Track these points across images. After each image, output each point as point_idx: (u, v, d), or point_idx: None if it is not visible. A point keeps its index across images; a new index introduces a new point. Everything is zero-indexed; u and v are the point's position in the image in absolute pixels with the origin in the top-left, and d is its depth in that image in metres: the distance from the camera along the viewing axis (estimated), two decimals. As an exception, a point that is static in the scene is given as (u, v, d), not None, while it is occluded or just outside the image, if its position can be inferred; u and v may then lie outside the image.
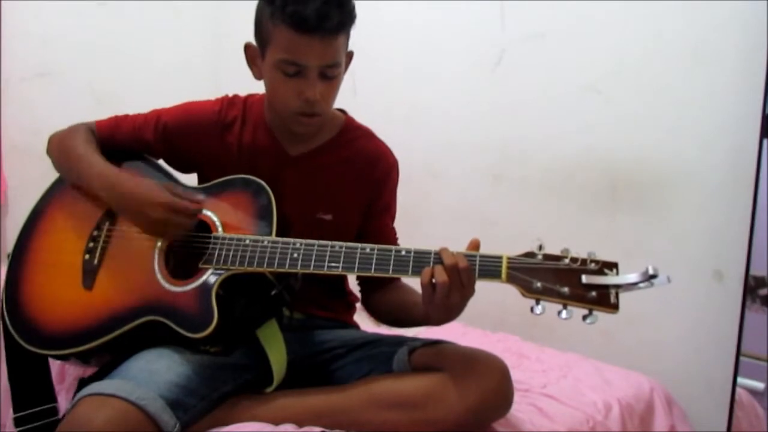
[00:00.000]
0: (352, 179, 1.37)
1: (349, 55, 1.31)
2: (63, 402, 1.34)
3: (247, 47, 1.31)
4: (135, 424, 1.03)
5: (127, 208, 1.24)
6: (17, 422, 1.26)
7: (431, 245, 1.12)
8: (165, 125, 1.37)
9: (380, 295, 1.39)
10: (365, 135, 1.42)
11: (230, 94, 1.41)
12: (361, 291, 1.45)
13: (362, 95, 2.29)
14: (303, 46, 1.19)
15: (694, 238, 1.78)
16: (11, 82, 2.19)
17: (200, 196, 1.29)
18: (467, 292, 1.09)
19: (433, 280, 1.07)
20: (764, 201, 1.62)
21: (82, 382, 1.15)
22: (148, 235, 1.23)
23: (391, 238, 1.44)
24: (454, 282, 1.07)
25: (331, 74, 1.23)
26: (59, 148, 1.37)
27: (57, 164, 1.38)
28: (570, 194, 2.01)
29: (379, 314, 1.43)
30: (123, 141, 1.39)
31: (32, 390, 1.29)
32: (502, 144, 2.14)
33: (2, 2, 2.13)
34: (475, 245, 1.11)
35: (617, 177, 1.92)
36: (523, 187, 2.10)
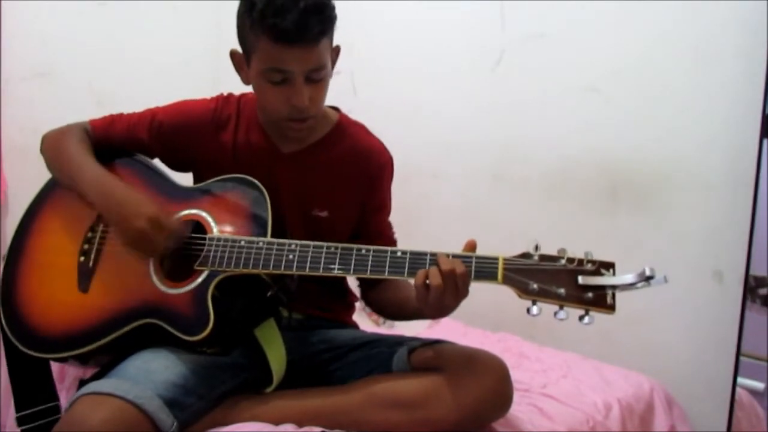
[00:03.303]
0: (347, 175, 1.37)
1: (336, 51, 1.29)
2: (63, 402, 1.33)
3: (233, 54, 1.29)
4: (132, 423, 1.03)
5: (113, 217, 1.22)
6: (20, 421, 1.26)
7: (431, 245, 1.12)
8: (160, 124, 1.37)
9: (378, 291, 1.39)
10: (359, 131, 1.41)
11: (225, 93, 1.41)
12: (359, 286, 1.45)
13: (362, 95, 2.30)
14: (285, 55, 1.18)
15: (694, 238, 1.78)
16: (11, 82, 2.19)
17: (192, 202, 1.28)
18: (461, 295, 1.08)
19: (427, 282, 1.07)
20: (764, 201, 1.62)
21: (82, 383, 1.15)
22: (128, 249, 1.20)
23: (388, 233, 1.44)
24: (449, 286, 1.06)
25: (317, 77, 1.22)
26: (52, 147, 1.36)
27: (50, 164, 1.37)
28: (570, 194, 2.00)
29: (377, 309, 1.43)
30: (118, 140, 1.38)
31: (34, 389, 1.29)
32: (502, 144, 2.13)
33: (2, 2, 2.13)
34: (471, 246, 1.10)
35: (617, 177, 1.92)
36: (523, 187, 2.10)
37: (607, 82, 1.92)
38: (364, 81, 2.29)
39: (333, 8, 1.22)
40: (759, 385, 1.69)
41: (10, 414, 1.45)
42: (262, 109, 1.32)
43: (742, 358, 1.63)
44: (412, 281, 1.10)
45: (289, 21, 1.14)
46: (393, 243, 1.43)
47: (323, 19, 1.18)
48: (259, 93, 1.28)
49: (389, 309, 1.38)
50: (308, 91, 1.22)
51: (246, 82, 1.30)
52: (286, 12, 1.14)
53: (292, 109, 1.23)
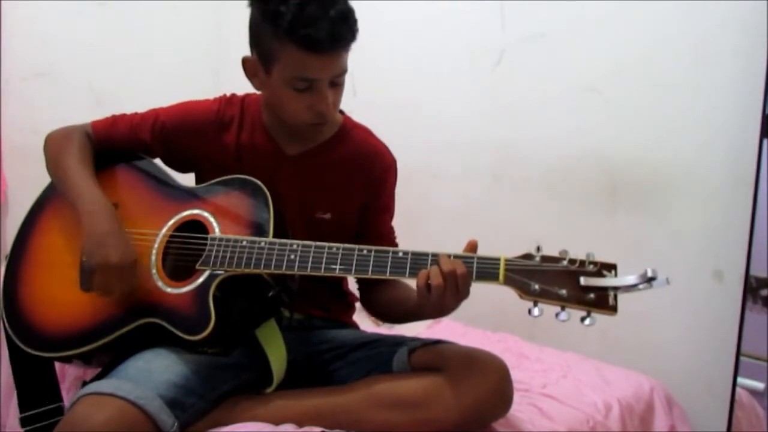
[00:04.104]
0: (351, 178, 1.37)
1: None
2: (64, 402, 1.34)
3: (245, 61, 1.29)
4: (133, 423, 1.03)
5: (90, 243, 1.18)
6: (23, 422, 1.26)
7: (431, 245, 1.12)
8: (163, 125, 1.37)
9: (377, 293, 1.39)
10: (363, 134, 1.41)
11: (228, 94, 1.41)
12: (359, 289, 1.44)
13: (362, 95, 2.29)
14: (315, 64, 1.19)
15: (694, 238, 1.78)
16: (11, 82, 2.19)
17: (194, 202, 1.28)
18: (462, 295, 1.09)
19: (429, 282, 1.07)
20: (764, 201, 1.62)
21: (84, 384, 1.15)
22: (82, 269, 1.19)
23: (389, 236, 1.44)
24: (450, 286, 1.07)
25: (339, 81, 1.24)
26: (52, 153, 1.35)
27: (49, 169, 1.36)
28: (570, 194, 2.00)
29: (377, 312, 1.43)
30: (120, 141, 1.38)
31: (38, 390, 1.29)
32: (502, 144, 2.13)
33: (2, 2, 2.13)
34: (472, 247, 1.11)
35: (617, 177, 1.92)
36: (523, 187, 2.10)
37: (607, 82, 1.92)
38: (364, 81, 2.29)
39: (355, 13, 1.22)
40: (759, 385, 1.69)
41: (11, 414, 1.45)
42: (280, 114, 1.31)
43: (742, 358, 1.63)
44: (412, 282, 1.10)
45: (323, 31, 1.15)
46: (394, 246, 1.42)
47: (351, 26, 1.20)
48: (278, 99, 1.27)
49: (389, 309, 1.38)
50: (331, 95, 1.23)
51: (259, 88, 1.30)
52: (317, 22, 1.15)
53: (315, 114, 1.24)
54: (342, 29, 1.17)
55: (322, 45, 1.16)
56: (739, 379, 1.65)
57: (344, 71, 1.24)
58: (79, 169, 1.30)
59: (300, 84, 1.21)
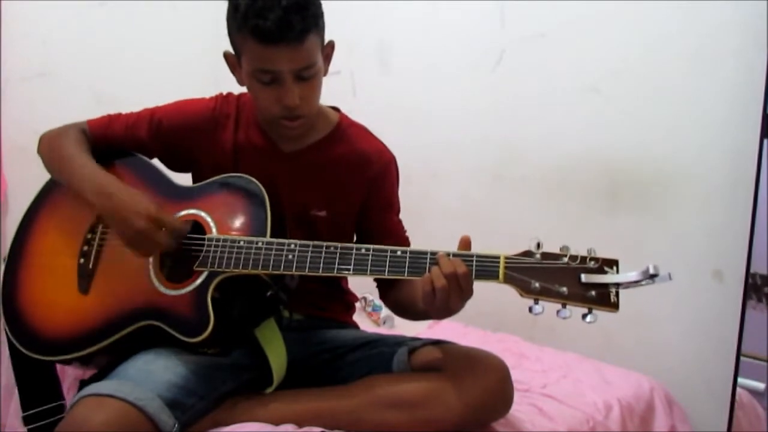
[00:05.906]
0: (347, 176, 1.36)
1: (330, 46, 1.28)
2: (63, 402, 1.34)
3: (227, 56, 1.29)
4: (133, 424, 1.03)
5: (112, 216, 1.20)
6: (26, 421, 1.26)
7: (431, 245, 1.12)
8: (159, 123, 1.37)
9: (394, 292, 1.38)
10: (359, 132, 1.41)
11: (224, 92, 1.41)
12: (378, 287, 1.42)
13: (362, 95, 2.29)
14: (271, 55, 1.17)
15: (694, 238, 1.78)
16: (11, 82, 2.18)
17: (190, 201, 1.27)
18: (466, 294, 1.08)
19: (433, 285, 1.07)
20: (764, 201, 1.62)
21: (83, 384, 1.15)
22: (127, 247, 1.19)
23: (398, 232, 1.42)
24: (453, 287, 1.06)
25: (307, 75, 1.21)
26: (49, 148, 1.35)
27: (47, 165, 1.36)
28: (570, 194, 2.00)
29: (397, 310, 1.42)
30: (116, 140, 1.38)
31: (39, 388, 1.29)
32: (502, 144, 2.13)
33: (2, 2, 2.13)
34: (466, 243, 1.10)
35: (617, 177, 1.92)
36: (523, 187, 2.10)
37: (607, 82, 1.92)
38: (364, 81, 2.29)
39: (318, 5, 1.21)
40: (759, 385, 1.69)
41: (11, 413, 1.46)
42: (257, 108, 1.32)
43: (742, 358, 1.63)
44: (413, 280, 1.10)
45: (271, 20, 1.13)
46: (405, 242, 1.41)
47: (306, 16, 1.17)
48: (252, 93, 1.28)
49: (403, 308, 1.37)
50: (299, 89, 1.21)
51: (241, 83, 1.30)
52: (268, 11, 1.13)
53: (283, 108, 1.23)
54: (293, 19, 1.14)
55: (271, 35, 1.14)
56: (739, 379, 1.64)
57: (310, 65, 1.20)
58: (78, 155, 1.30)
59: (263, 76, 1.20)
